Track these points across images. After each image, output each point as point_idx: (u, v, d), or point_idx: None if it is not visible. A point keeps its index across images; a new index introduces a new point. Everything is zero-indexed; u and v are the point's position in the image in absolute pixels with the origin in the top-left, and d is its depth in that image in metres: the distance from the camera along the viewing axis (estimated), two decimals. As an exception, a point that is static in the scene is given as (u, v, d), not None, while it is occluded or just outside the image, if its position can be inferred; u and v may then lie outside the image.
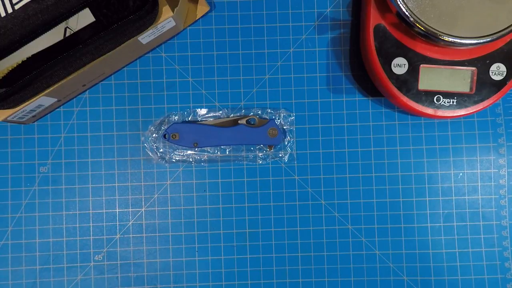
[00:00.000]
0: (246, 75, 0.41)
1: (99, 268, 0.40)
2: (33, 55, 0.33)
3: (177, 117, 0.41)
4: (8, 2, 0.30)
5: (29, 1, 0.30)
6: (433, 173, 0.41)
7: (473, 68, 0.37)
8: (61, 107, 0.41)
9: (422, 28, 0.35)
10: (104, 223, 0.41)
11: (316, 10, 0.42)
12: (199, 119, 0.41)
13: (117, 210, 0.41)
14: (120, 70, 0.41)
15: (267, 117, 0.41)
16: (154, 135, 0.41)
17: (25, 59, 0.32)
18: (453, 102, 0.38)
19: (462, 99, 0.38)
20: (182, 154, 0.41)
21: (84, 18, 0.33)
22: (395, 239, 0.41)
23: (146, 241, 0.41)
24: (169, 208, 0.41)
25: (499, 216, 0.41)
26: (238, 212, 0.41)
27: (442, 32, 0.34)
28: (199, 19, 0.41)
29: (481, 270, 0.41)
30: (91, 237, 0.41)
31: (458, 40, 0.34)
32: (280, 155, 0.41)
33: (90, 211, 0.41)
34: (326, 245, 0.41)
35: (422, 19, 0.35)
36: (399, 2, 0.35)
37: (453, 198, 0.41)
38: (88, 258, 0.40)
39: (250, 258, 0.41)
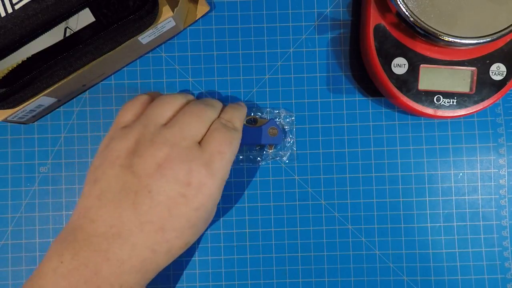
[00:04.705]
0: (246, 75, 0.41)
1: (99, 268, 0.40)
2: (33, 55, 0.33)
3: (177, 117, 0.41)
4: (8, 2, 0.30)
5: (29, 1, 0.30)
6: (433, 173, 0.41)
7: (473, 68, 0.37)
8: (61, 107, 0.41)
9: (422, 28, 0.35)
10: (104, 223, 0.41)
11: (316, 10, 0.42)
12: (199, 119, 0.41)
13: (117, 210, 0.41)
14: (120, 70, 0.41)
15: (267, 117, 0.41)
16: (154, 135, 0.41)
17: (25, 59, 0.32)
18: (453, 102, 0.38)
19: (462, 99, 0.38)
20: (182, 154, 0.41)
21: (84, 18, 0.33)
22: (395, 239, 0.41)
23: (146, 241, 0.41)
24: (169, 208, 0.41)
25: (499, 216, 0.41)
26: (238, 212, 0.41)
27: (442, 32, 0.34)
28: (199, 19, 0.41)
29: (481, 270, 0.41)
30: (91, 237, 0.41)
31: (458, 40, 0.35)
32: (280, 155, 0.41)
33: (90, 211, 0.41)
34: (326, 245, 0.41)
35: (422, 19, 0.35)
36: (399, 2, 0.35)
37: (453, 198, 0.41)
38: (88, 258, 0.40)
39: (250, 258, 0.41)
